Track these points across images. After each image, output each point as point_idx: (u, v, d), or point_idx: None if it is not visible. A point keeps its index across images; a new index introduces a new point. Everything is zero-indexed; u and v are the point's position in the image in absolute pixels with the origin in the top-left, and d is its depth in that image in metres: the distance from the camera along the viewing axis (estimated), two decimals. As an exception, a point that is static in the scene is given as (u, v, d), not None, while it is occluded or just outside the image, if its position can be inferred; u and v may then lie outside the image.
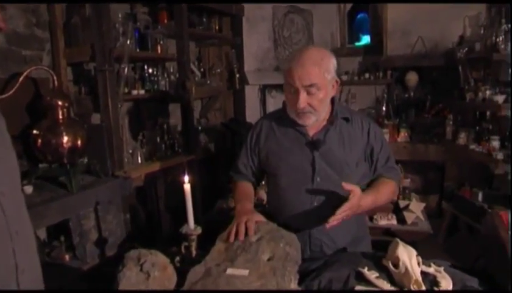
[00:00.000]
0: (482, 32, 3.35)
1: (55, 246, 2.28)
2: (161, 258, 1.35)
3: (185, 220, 1.48)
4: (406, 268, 1.26)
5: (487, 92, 3.16)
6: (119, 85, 2.59)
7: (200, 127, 3.63)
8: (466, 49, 3.44)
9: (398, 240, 1.37)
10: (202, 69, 3.78)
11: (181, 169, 3.03)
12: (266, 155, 1.69)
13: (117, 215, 2.40)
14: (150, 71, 3.02)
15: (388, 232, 2.11)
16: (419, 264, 1.29)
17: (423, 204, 2.26)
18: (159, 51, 2.96)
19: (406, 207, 2.18)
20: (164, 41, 3.02)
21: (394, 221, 2.17)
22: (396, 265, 1.29)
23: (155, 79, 3.03)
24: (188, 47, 3.08)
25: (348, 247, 1.60)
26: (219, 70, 3.92)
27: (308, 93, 1.49)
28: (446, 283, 1.23)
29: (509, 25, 2.93)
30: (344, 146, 1.60)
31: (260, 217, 1.52)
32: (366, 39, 4.60)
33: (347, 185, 1.41)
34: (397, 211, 2.23)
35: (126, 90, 2.72)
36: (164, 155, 2.90)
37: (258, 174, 1.80)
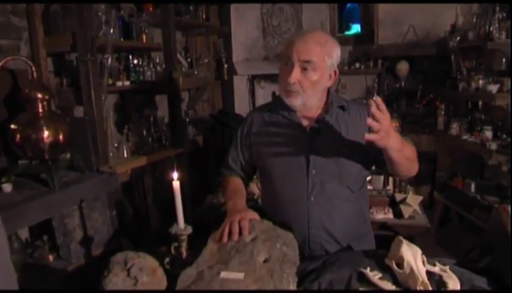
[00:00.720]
0: (475, 20, 3.30)
1: (38, 246, 2.17)
2: (149, 261, 1.26)
3: (174, 219, 1.40)
4: (411, 269, 1.20)
5: (481, 81, 3.12)
6: (102, 76, 2.48)
7: (188, 119, 3.53)
8: (459, 38, 3.39)
9: (401, 238, 1.31)
10: (189, 60, 3.67)
11: (169, 162, 2.95)
12: (258, 149, 1.61)
13: (103, 212, 2.31)
14: (136, 61, 2.90)
15: (385, 226, 2.05)
16: (423, 263, 1.23)
17: (421, 197, 2.21)
18: (144, 40, 2.84)
19: (403, 201, 2.13)
20: (150, 30, 2.91)
21: (391, 215, 2.12)
22: (400, 265, 1.23)
23: (141, 69, 2.92)
24: (174, 36, 2.96)
25: (350, 244, 1.52)
26: (206, 60, 3.81)
27: (303, 70, 1.42)
28: (453, 283, 1.16)
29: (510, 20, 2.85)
30: (341, 136, 1.51)
31: (254, 215, 1.43)
32: (355, 28, 4.53)
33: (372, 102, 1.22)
34: (394, 204, 2.18)
35: (110, 81, 2.60)
36: (151, 148, 2.80)
37: (249, 169, 1.71)
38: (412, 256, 1.23)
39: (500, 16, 2.93)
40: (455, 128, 3.45)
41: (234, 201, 1.52)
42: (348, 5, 4.53)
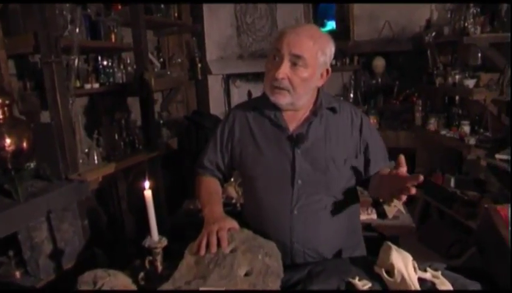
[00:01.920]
0: (449, 15, 3.30)
1: (3, 262, 2.03)
2: (121, 279, 1.17)
3: (148, 231, 1.31)
4: (403, 277, 1.14)
5: (457, 77, 3.12)
6: (69, 79, 2.34)
7: (161, 122, 3.41)
8: (434, 33, 3.38)
9: (390, 243, 1.25)
10: (161, 60, 3.54)
11: (143, 167, 2.83)
12: (240, 153, 1.50)
13: (74, 223, 2.17)
14: (105, 62, 2.76)
15: (369, 227, 2.00)
16: (415, 270, 1.17)
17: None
18: (113, 40, 2.71)
19: (387, 201, 2.08)
20: (119, 30, 2.77)
21: (374, 216, 2.07)
22: (390, 273, 1.17)
23: (111, 71, 2.78)
24: (145, 35, 2.83)
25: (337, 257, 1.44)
26: (179, 60, 3.69)
27: (293, 66, 1.31)
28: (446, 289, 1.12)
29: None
30: (330, 141, 1.41)
31: (233, 223, 1.34)
32: (331, 25, 4.50)
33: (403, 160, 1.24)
34: (377, 205, 2.13)
35: (78, 84, 2.46)
36: (124, 153, 2.66)
37: (227, 171, 1.60)
38: (403, 262, 1.18)
39: (474, 11, 2.93)
40: (432, 123, 3.45)
41: (210, 208, 1.42)
42: (323, 1, 4.49)
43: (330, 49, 1.38)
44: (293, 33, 1.31)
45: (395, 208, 2.08)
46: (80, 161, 2.34)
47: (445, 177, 3.37)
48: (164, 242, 1.30)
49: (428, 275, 1.20)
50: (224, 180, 1.66)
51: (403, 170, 1.21)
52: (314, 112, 1.42)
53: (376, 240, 2.05)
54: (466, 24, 2.97)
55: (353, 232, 1.55)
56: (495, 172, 2.94)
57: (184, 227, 2.22)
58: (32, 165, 2.12)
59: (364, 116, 1.52)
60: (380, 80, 4.15)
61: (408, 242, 2.39)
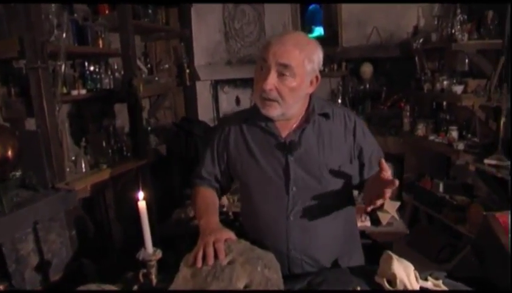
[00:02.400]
0: (436, 22, 3.34)
1: (-13, 276, 1.95)
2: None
3: (141, 242, 1.27)
4: (405, 286, 1.13)
5: (445, 82, 3.15)
6: (56, 85, 2.27)
7: (149, 128, 3.36)
8: (422, 39, 3.41)
9: (390, 253, 1.23)
10: (148, 65, 3.49)
11: (131, 174, 2.77)
12: (235, 162, 1.48)
13: (62, 233, 2.11)
14: (92, 68, 2.71)
15: (363, 234, 1.98)
16: (416, 279, 1.16)
17: (398, 203, 2.13)
18: (101, 46, 2.65)
19: (380, 207, 2.07)
20: (106, 35, 2.72)
21: (368, 223, 2.06)
22: (392, 283, 1.15)
23: (98, 76, 2.72)
24: (133, 40, 2.79)
25: (334, 264, 1.42)
26: (167, 65, 3.65)
27: (280, 76, 1.28)
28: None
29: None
30: (323, 147, 1.39)
31: (229, 234, 1.30)
32: (318, 31, 4.52)
33: (384, 163, 1.20)
34: (371, 212, 2.12)
35: (65, 90, 2.40)
36: (112, 161, 2.60)
37: (226, 182, 1.58)
38: (404, 272, 1.16)
39: (462, 18, 2.97)
40: (421, 129, 3.48)
41: (207, 219, 1.38)
42: (311, 7, 4.50)
43: (318, 55, 1.35)
44: (279, 43, 1.29)
45: (389, 215, 2.06)
46: (67, 169, 2.27)
47: (433, 182, 3.40)
48: (159, 254, 1.27)
49: (429, 284, 1.19)
50: (222, 191, 1.63)
51: (386, 174, 1.18)
52: (307, 119, 1.40)
53: (371, 247, 2.04)
54: (453, 31, 3.00)
55: (351, 237, 1.54)
56: (483, 177, 2.97)
57: (174, 237, 2.17)
58: (17, 174, 2.06)
59: (358, 120, 1.50)
60: (367, 85, 4.17)
61: (397, 247, 2.39)
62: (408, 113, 3.73)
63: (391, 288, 1.14)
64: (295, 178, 1.37)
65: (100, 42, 2.65)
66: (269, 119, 1.41)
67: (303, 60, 1.29)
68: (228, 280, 1.15)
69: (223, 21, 3.95)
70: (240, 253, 1.26)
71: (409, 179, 3.67)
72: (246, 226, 1.51)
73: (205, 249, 1.22)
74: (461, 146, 2.98)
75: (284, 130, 1.42)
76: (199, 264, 1.20)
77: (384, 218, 2.04)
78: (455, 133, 3.14)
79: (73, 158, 2.43)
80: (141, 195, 1.27)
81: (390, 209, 2.13)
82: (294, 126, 1.41)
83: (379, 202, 1.19)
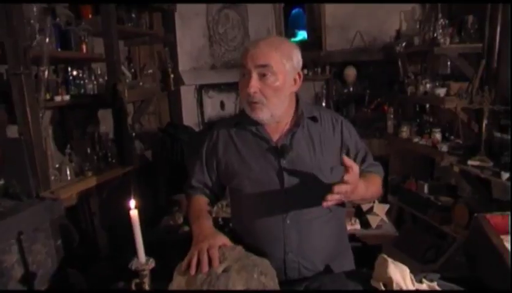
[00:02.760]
0: (418, 26, 3.40)
1: (-31, 289, 1.88)
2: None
3: (134, 252, 1.24)
4: (401, 290, 1.13)
5: (428, 85, 3.20)
6: (39, 91, 2.22)
7: (134, 134, 3.31)
8: (405, 43, 3.47)
9: (385, 256, 1.24)
10: (132, 70, 3.44)
11: (117, 181, 2.73)
12: (226, 168, 1.47)
13: (47, 243, 2.05)
14: (75, 73, 2.65)
15: (353, 237, 2.00)
16: (412, 281, 1.16)
17: (387, 206, 2.19)
18: (84, 50, 2.61)
19: (370, 210, 2.09)
20: (90, 40, 2.67)
21: (358, 226, 2.07)
22: (388, 286, 1.16)
23: (81, 82, 2.67)
24: (117, 45, 2.75)
25: (330, 266, 1.41)
26: (151, 70, 3.60)
27: (262, 77, 1.30)
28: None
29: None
30: (314, 150, 1.40)
31: (224, 239, 1.28)
32: (302, 35, 4.54)
33: (348, 161, 1.19)
34: (360, 215, 2.13)
35: (48, 96, 2.34)
36: (97, 168, 2.55)
37: (218, 189, 1.57)
38: (400, 276, 1.16)
39: (443, 22, 3.03)
40: (405, 131, 3.52)
41: (199, 224, 1.36)
42: (294, 11, 4.53)
43: (295, 54, 1.37)
44: (255, 47, 1.33)
45: (378, 217, 2.09)
46: (52, 177, 2.22)
47: (418, 184, 3.45)
48: (152, 263, 1.24)
49: (424, 286, 1.20)
50: (216, 199, 1.62)
51: (352, 171, 1.18)
52: (296, 123, 1.41)
53: (361, 250, 2.05)
54: (435, 35, 3.06)
55: (342, 238, 1.56)
56: (467, 178, 3.02)
57: (164, 245, 2.14)
58: (0, 183, 1.99)
59: (345, 121, 1.52)
60: (351, 89, 4.21)
61: (384, 249, 2.41)
62: (391, 116, 3.78)
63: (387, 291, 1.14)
64: (289, 181, 1.37)
65: (84, 47, 2.60)
66: (258, 124, 1.42)
67: (280, 58, 1.32)
68: (224, 288, 1.14)
69: (207, 26, 3.93)
70: (235, 259, 1.24)
71: (394, 181, 3.71)
72: (239, 231, 1.49)
73: (199, 256, 1.20)
74: (444, 148, 3.04)
75: (275, 134, 1.42)
76: (193, 271, 1.18)
77: (374, 220, 2.06)
78: (438, 135, 3.20)
79: (57, 165, 2.37)
80: (132, 203, 1.25)
81: (379, 212, 2.16)
82: (285, 129, 1.42)
83: (337, 189, 1.17)
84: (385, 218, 2.13)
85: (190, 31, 3.78)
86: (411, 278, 1.18)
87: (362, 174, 1.41)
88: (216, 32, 3.98)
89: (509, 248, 1.17)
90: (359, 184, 1.24)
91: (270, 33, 4.38)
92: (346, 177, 1.16)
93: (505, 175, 2.53)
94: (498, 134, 2.85)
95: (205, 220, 1.39)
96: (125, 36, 3.36)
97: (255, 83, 1.30)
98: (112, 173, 2.60)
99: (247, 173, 1.41)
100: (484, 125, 2.79)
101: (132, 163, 2.83)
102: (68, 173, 2.31)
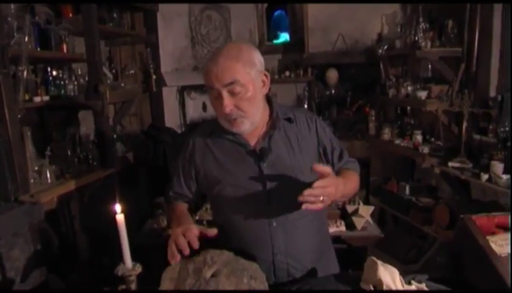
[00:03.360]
0: (399, 30, 3.45)
1: None
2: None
3: (120, 257, 1.21)
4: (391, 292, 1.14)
5: (409, 88, 3.25)
6: (17, 91, 2.16)
7: (115, 136, 3.25)
8: (386, 46, 3.51)
9: (374, 259, 1.24)
10: (113, 71, 3.39)
11: (98, 184, 2.67)
12: (205, 177, 1.45)
13: (26, 249, 1.99)
14: (55, 73, 2.59)
15: (338, 239, 2.00)
16: (401, 283, 1.17)
17: (372, 207, 2.20)
18: (65, 50, 2.55)
19: (355, 212, 2.10)
20: (70, 39, 2.62)
21: (343, 228, 2.08)
22: (377, 288, 1.16)
23: (61, 83, 2.61)
24: (99, 45, 2.69)
25: (316, 265, 1.41)
26: (132, 71, 3.56)
27: (233, 94, 1.27)
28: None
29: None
30: (293, 151, 1.40)
31: (198, 229, 1.26)
32: (284, 37, 4.55)
33: (317, 167, 1.20)
34: (345, 217, 2.14)
35: (27, 97, 2.28)
36: (78, 170, 2.49)
37: (197, 198, 1.56)
38: (390, 278, 1.17)
39: (424, 26, 3.08)
40: (386, 133, 3.57)
41: (178, 222, 1.36)
42: (276, 13, 4.53)
43: (256, 57, 1.34)
44: (215, 65, 1.27)
45: (363, 219, 2.10)
46: (31, 181, 2.15)
47: (399, 185, 3.49)
48: (139, 268, 1.21)
49: (413, 288, 1.21)
50: (196, 207, 1.60)
51: (325, 176, 1.20)
52: (272, 125, 1.41)
53: (346, 251, 2.06)
54: (416, 38, 3.11)
55: (326, 237, 1.57)
56: (447, 179, 3.08)
57: (148, 249, 2.10)
58: (-23, 186, 1.93)
59: (319, 119, 1.52)
60: (333, 91, 4.23)
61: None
62: (373, 118, 3.82)
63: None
64: (271, 184, 1.37)
65: (64, 46, 2.55)
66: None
67: (243, 68, 1.28)
68: (214, 292, 1.12)
69: (189, 26, 3.90)
70: (224, 264, 1.23)
71: (376, 183, 3.75)
72: (224, 237, 1.47)
73: (177, 242, 1.20)
74: (426, 149, 3.08)
75: (252, 139, 1.41)
76: (176, 258, 1.19)
77: (359, 222, 2.07)
78: (419, 137, 3.25)
79: (36, 168, 2.31)
80: (118, 207, 1.22)
81: (364, 213, 2.17)
82: (261, 133, 1.42)
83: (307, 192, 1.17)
84: (370, 220, 2.14)
85: (172, 32, 3.74)
86: (400, 279, 1.19)
87: (340, 171, 1.43)
88: (198, 32, 3.95)
89: (509, 247, 1.19)
90: (338, 183, 1.25)
91: (252, 34, 4.37)
92: (320, 183, 1.17)
93: (484, 176, 2.58)
94: (477, 136, 2.91)
95: (184, 219, 1.38)
96: (106, 36, 3.30)
97: (228, 103, 1.27)
98: (93, 175, 2.54)
99: (228, 179, 1.40)
100: (464, 127, 2.84)
101: (114, 165, 2.77)
102: (48, 175, 2.25)
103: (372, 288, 1.17)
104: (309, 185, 1.23)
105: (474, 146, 2.90)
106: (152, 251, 2.07)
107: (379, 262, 1.21)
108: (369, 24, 3.79)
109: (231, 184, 1.39)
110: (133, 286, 1.22)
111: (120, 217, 1.22)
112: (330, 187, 1.19)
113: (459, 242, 1.39)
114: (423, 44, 3.01)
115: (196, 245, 1.17)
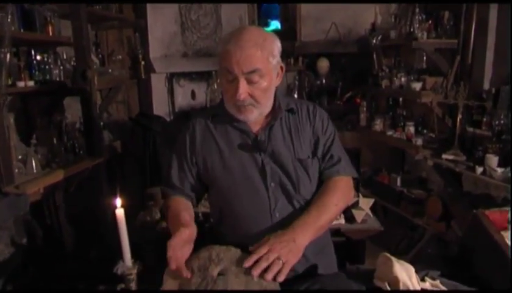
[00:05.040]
0: (393, 20, 3.41)
1: None
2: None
3: (120, 255, 1.15)
4: (408, 289, 1.10)
5: (403, 79, 3.22)
6: (0, 76, 2.03)
7: (101, 124, 3.13)
8: (381, 36, 3.47)
9: (388, 255, 1.20)
10: (100, 56, 3.25)
11: (85, 174, 2.56)
12: (204, 164, 1.40)
13: (11, 242, 1.89)
14: (39, 57, 2.46)
15: (338, 232, 1.97)
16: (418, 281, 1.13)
17: (372, 200, 2.17)
18: (50, 33, 2.41)
19: (355, 205, 2.07)
20: (56, 21, 2.48)
21: (343, 221, 2.04)
22: (392, 285, 1.12)
23: (46, 67, 2.48)
24: (86, 28, 2.56)
25: (318, 259, 1.36)
26: (120, 57, 3.42)
27: (249, 82, 1.25)
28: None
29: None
30: (293, 142, 1.38)
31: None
32: (275, 25, 4.47)
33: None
34: (345, 209, 2.10)
35: (9, 82, 2.15)
36: (66, 160, 2.38)
37: (200, 187, 1.47)
38: (406, 274, 1.13)
39: (420, 17, 3.04)
40: (378, 124, 3.55)
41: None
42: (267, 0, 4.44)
43: (278, 47, 1.33)
44: (238, 50, 1.23)
45: (363, 212, 2.07)
46: (16, 170, 2.03)
47: (391, 177, 3.48)
48: (140, 266, 1.15)
49: (427, 285, 1.17)
50: (198, 199, 1.52)
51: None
52: (274, 116, 1.39)
53: (346, 244, 2.02)
54: (412, 29, 3.07)
55: (326, 230, 1.49)
56: (440, 171, 3.07)
57: (141, 243, 2.02)
58: (-42, 177, 1.81)
59: (320, 110, 1.47)
60: (324, 81, 4.18)
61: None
62: (364, 109, 3.79)
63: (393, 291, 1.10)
64: (271, 174, 1.35)
65: (50, 29, 2.41)
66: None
67: (267, 57, 1.27)
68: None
69: (179, 12, 3.77)
70: (232, 261, 1.17)
71: (366, 174, 3.73)
72: (225, 231, 1.41)
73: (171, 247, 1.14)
74: (419, 141, 3.07)
75: (255, 127, 1.39)
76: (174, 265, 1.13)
77: (359, 215, 2.04)
78: (412, 129, 3.23)
79: (19, 157, 2.19)
80: (118, 201, 1.16)
81: (364, 206, 2.14)
82: (264, 122, 1.40)
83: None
84: (370, 213, 2.11)
85: (162, 17, 3.61)
86: (416, 276, 1.15)
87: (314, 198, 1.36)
88: (188, 18, 3.83)
89: (509, 243, 1.16)
90: (284, 239, 1.19)
91: (242, 21, 4.27)
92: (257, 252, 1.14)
93: (479, 169, 2.58)
94: (470, 129, 2.91)
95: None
96: (93, 20, 3.15)
97: (243, 90, 1.25)
98: (81, 165, 2.43)
99: (229, 168, 1.37)
100: (458, 120, 2.83)
101: (102, 154, 2.67)
102: (34, 165, 2.13)
103: (387, 285, 1.13)
104: (309, 176, 1.28)
105: (467, 138, 2.89)
106: (146, 244, 2.00)
107: (394, 259, 1.17)
108: (362, 14, 3.74)
109: (231, 172, 1.36)
110: (133, 285, 1.16)
111: (120, 212, 1.16)
112: (273, 250, 1.14)
113: (471, 237, 1.37)
114: (419, 35, 2.97)
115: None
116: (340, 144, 1.47)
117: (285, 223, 1.29)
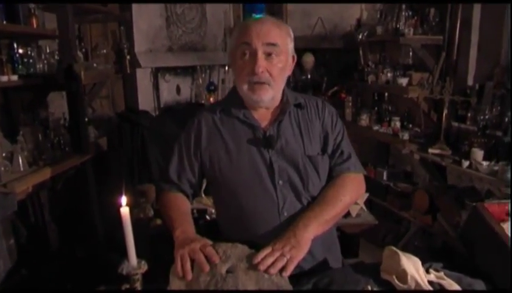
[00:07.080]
0: (379, 16, 3.44)
1: None
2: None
3: (125, 255, 1.12)
4: (416, 282, 1.11)
5: (389, 75, 3.26)
6: (-17, 70, 1.96)
7: (86, 120, 3.05)
8: (367, 32, 3.50)
9: (394, 248, 1.21)
10: (83, 50, 3.16)
11: (72, 171, 2.50)
12: (210, 160, 1.36)
13: (-2, 243, 1.83)
14: (21, 51, 2.38)
15: (334, 227, 1.98)
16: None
17: (367, 194, 2.19)
18: (34, 25, 2.33)
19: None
20: (40, 13, 2.40)
21: (338, 215, 2.05)
22: (401, 279, 1.13)
23: (30, 61, 2.40)
24: (72, 22, 2.50)
25: (324, 256, 1.36)
26: (104, 51, 3.34)
27: (268, 56, 1.24)
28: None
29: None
30: (302, 138, 1.36)
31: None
32: (260, 20, 4.44)
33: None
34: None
35: (-8, 76, 2.08)
36: (53, 157, 2.31)
37: (198, 183, 1.45)
38: (414, 268, 1.14)
39: (407, 14, 3.08)
40: (364, 119, 3.58)
41: (182, 229, 1.25)
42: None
43: (291, 36, 1.35)
44: (259, 24, 1.25)
45: (358, 206, 2.09)
46: (2, 169, 1.96)
47: (377, 171, 3.52)
48: (145, 266, 1.13)
49: (432, 277, 1.19)
50: (193, 196, 1.50)
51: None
52: (282, 110, 1.36)
53: (340, 238, 2.04)
54: (398, 26, 3.11)
55: (333, 228, 1.50)
56: (425, 165, 3.13)
57: (136, 241, 1.98)
58: None
59: (328, 106, 1.46)
60: (309, 76, 4.19)
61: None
62: (350, 104, 3.82)
63: (401, 285, 1.11)
64: (279, 171, 1.32)
65: (34, 21, 2.33)
66: (246, 109, 1.35)
67: (285, 37, 1.30)
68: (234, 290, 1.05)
69: (164, 5, 3.70)
70: (240, 258, 1.15)
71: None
72: (231, 230, 1.39)
73: (194, 257, 1.11)
74: (406, 136, 3.12)
75: (263, 121, 1.36)
76: (189, 276, 1.09)
77: (354, 209, 2.06)
78: (398, 124, 3.28)
79: (4, 154, 2.11)
80: (124, 200, 1.13)
81: (359, 200, 2.16)
82: (272, 117, 1.37)
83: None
84: (364, 207, 2.14)
85: (147, 9, 3.53)
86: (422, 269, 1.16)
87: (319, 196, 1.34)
88: (173, 12, 3.76)
89: (509, 234, 1.19)
90: (298, 230, 1.20)
91: (227, 16, 4.23)
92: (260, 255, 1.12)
93: (465, 163, 2.63)
94: (455, 124, 2.97)
95: (189, 226, 1.28)
96: (76, 13, 3.06)
97: (262, 62, 1.24)
98: (69, 162, 2.37)
99: (236, 164, 1.33)
100: (444, 114, 2.88)
101: (88, 151, 2.60)
102: (21, 162, 2.06)
103: (395, 278, 1.14)
104: (318, 173, 1.28)
105: (453, 133, 2.95)
106: (140, 242, 1.97)
107: (400, 252, 1.18)
108: (348, 10, 3.77)
109: (238, 168, 1.33)
110: (138, 286, 1.13)
111: (125, 210, 1.14)
112: (276, 249, 1.13)
113: (471, 229, 1.39)
114: (406, 31, 3.01)
115: (217, 259, 1.10)
116: (349, 141, 1.46)
117: (292, 220, 1.28)
